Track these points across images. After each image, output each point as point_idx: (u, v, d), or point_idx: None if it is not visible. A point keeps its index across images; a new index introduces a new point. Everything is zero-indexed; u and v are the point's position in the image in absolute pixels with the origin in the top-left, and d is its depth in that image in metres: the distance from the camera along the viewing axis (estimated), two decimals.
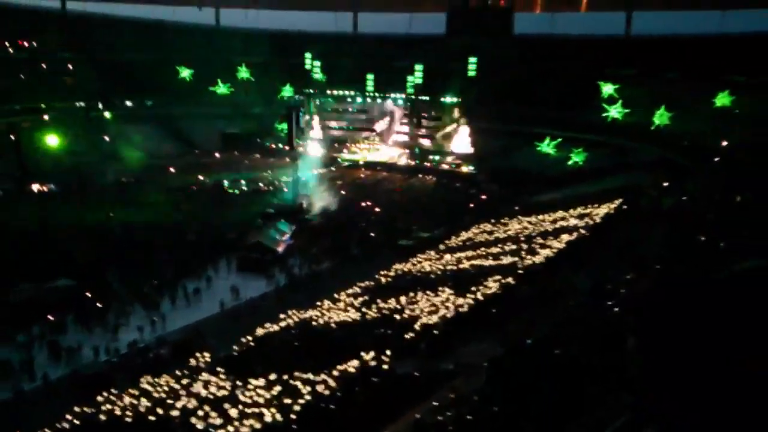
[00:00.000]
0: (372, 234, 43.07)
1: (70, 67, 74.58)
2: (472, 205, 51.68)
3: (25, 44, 75.03)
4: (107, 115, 71.38)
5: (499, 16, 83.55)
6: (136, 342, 26.37)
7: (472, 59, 71.90)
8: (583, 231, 35.69)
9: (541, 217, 42.84)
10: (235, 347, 24.19)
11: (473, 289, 27.61)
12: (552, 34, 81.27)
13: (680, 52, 67.86)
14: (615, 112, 65.39)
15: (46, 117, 65.51)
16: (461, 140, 65.50)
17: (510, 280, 28.36)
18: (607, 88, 67.92)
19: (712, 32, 70.13)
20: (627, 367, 11.53)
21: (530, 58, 76.26)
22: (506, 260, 32.44)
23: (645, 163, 53.49)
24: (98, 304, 29.60)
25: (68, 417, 19.36)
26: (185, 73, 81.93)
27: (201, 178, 58.51)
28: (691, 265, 20.08)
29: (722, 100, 59.56)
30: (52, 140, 59.81)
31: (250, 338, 24.97)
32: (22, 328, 27.03)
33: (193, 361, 22.88)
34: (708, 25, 71.84)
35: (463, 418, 14.39)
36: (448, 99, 65.96)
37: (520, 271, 29.62)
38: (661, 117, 61.04)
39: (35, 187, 52.17)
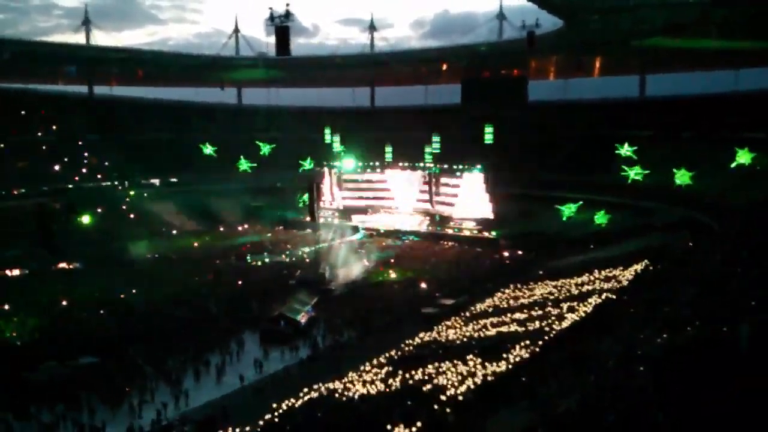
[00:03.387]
0: (395, 302, 42.73)
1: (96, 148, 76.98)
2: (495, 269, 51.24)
3: (54, 127, 77.80)
4: (133, 193, 72.97)
5: (514, 84, 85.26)
6: (159, 420, 25.99)
7: (489, 127, 73.08)
8: (610, 294, 35.07)
9: (566, 280, 42.28)
10: (258, 423, 23.70)
11: (501, 356, 27.01)
12: (567, 99, 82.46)
13: (696, 112, 68.29)
14: (634, 173, 65.41)
15: (73, 197, 67.11)
16: (481, 206, 65.55)
17: (538, 346, 27.74)
18: (625, 150, 68.19)
19: (727, 91, 70.66)
20: None
21: (546, 123, 77.25)
22: (533, 326, 31.84)
23: (669, 224, 52.99)
24: (122, 382, 29.44)
25: None
26: (209, 150, 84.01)
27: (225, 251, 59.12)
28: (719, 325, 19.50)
29: (742, 157, 59.33)
30: (82, 219, 61.17)
31: (273, 413, 24.48)
32: (46, 406, 26.90)
33: None
34: (722, 84, 72.46)
35: None
36: (466, 166, 66.46)
37: (548, 337, 28.99)
38: (682, 177, 60.86)
39: (62, 265, 53.01)
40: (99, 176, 73.52)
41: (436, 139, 70.35)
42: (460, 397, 23.22)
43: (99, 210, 65.23)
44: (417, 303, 42.50)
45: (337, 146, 76.86)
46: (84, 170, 73.33)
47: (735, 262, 30.39)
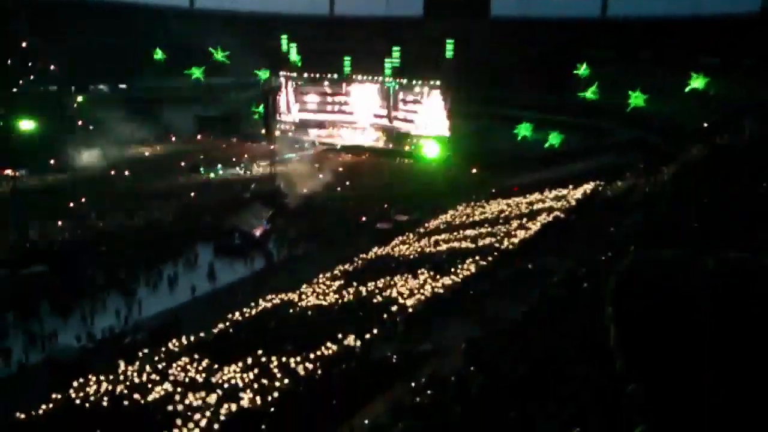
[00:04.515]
0: (350, 217, 43.07)
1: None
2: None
3: None
4: (80, 99, 70.07)
5: None
6: (111, 328, 26.16)
7: (450, 42, 71.85)
8: (559, 213, 35.99)
9: (517, 199, 43.07)
10: (212, 331, 24.08)
11: (451, 271, 27.75)
12: (529, 16, 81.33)
13: (655, 34, 68.40)
14: (590, 93, 65.85)
15: (18, 102, 64.08)
16: (439, 123, 65.32)
17: (487, 262, 28.55)
18: (583, 70, 68.29)
19: (687, 14, 70.70)
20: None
21: (507, 40, 76.39)
22: (483, 242, 32.60)
23: (621, 145, 54.01)
24: (74, 290, 29.31)
25: (44, 403, 19.18)
26: (159, 56, 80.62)
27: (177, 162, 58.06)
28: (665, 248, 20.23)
29: (696, 82, 60.13)
30: (26, 125, 58.62)
31: (227, 322, 24.87)
32: None
33: (169, 346, 22.77)
34: (683, 6, 72.36)
35: (440, 400, 14.50)
36: (426, 82, 65.62)
37: (497, 253, 29.81)
38: (636, 99, 61.53)
39: (7, 172, 51.26)
40: (44, 80, 70.09)
41: (396, 51, 68.97)
42: (410, 310, 23.98)
43: (44, 116, 62.57)
44: (371, 218, 42.89)
45: (294, 56, 74.72)
46: (27, 74, 69.70)
47: (683, 186, 31.38)
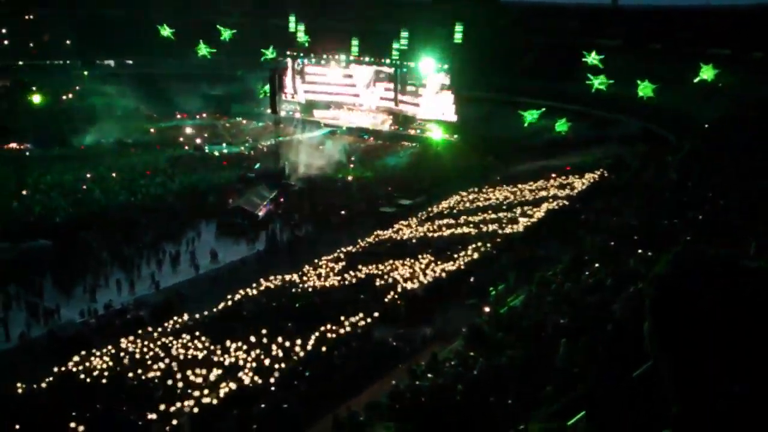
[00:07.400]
0: (353, 200, 43.02)
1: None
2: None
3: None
4: (86, 73, 69.86)
5: None
6: (111, 303, 26.16)
7: (459, 26, 71.31)
8: (563, 201, 35.90)
9: (522, 186, 42.96)
10: (214, 310, 24.15)
11: (453, 256, 27.75)
12: (539, 2, 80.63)
13: (666, 24, 67.72)
14: (599, 83, 65.33)
15: (24, 75, 64.00)
16: (445, 107, 64.96)
17: (489, 248, 28.52)
18: (593, 59, 67.72)
19: (698, 4, 69.98)
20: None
21: (516, 25, 75.72)
22: (486, 229, 32.57)
23: (627, 135, 53.68)
24: (77, 265, 29.37)
25: (45, 377, 19.25)
26: (167, 32, 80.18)
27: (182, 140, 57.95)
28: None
29: (706, 73, 59.64)
30: (33, 99, 58.65)
31: (229, 301, 24.91)
32: None
33: (171, 323, 22.86)
34: None
35: (439, 384, 14.53)
36: (434, 65, 65.13)
37: (500, 240, 29.78)
38: (644, 89, 61.08)
39: (12, 145, 51.32)
40: (51, 54, 69.92)
41: (404, 33, 68.41)
42: (412, 293, 24.01)
43: (50, 90, 62.48)
44: (375, 201, 42.83)
45: (301, 36, 74.20)
46: (35, 47, 69.53)
47: (687, 178, 31.21)
